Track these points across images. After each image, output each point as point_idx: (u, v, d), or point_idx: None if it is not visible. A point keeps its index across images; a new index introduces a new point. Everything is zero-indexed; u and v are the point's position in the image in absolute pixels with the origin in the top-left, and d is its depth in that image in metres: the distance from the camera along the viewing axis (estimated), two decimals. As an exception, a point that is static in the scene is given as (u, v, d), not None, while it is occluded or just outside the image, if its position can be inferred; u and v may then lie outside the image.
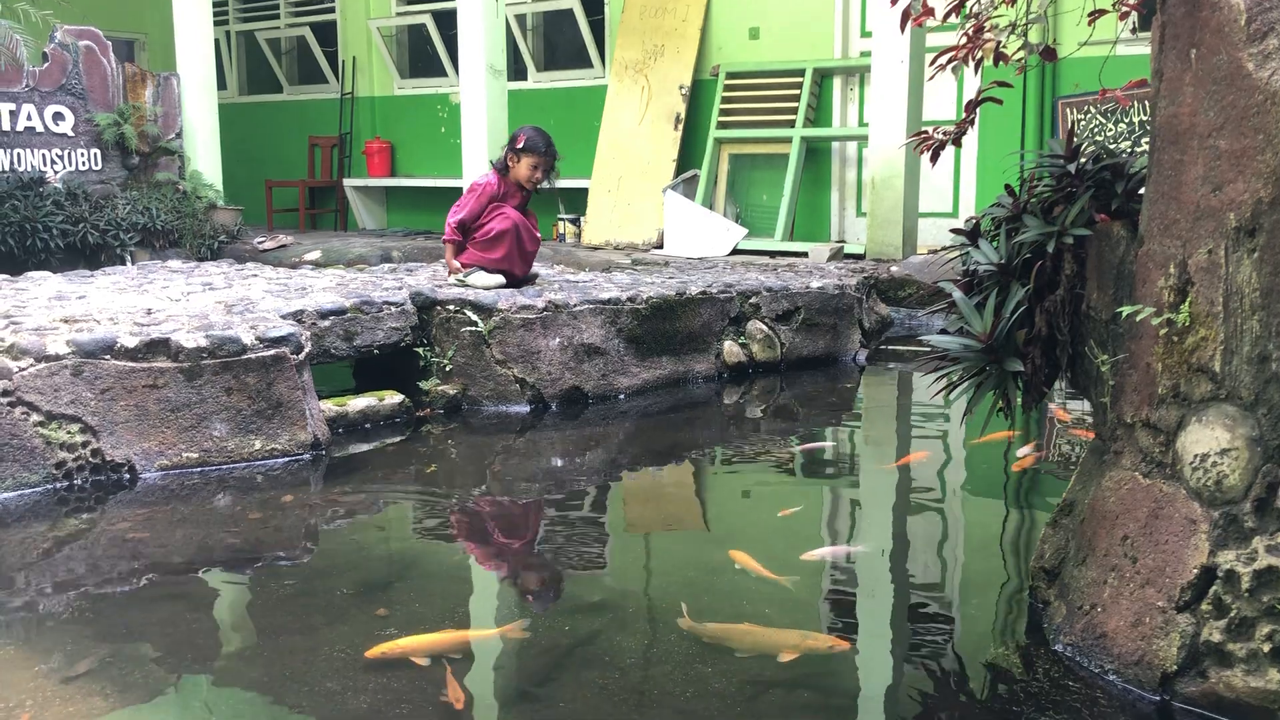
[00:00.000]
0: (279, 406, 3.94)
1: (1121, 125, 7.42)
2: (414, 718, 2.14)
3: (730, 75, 8.89)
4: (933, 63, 2.76)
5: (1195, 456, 2.10)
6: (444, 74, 10.59)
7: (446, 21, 9.86)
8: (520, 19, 9.92)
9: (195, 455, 3.79)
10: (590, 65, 9.81)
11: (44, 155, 8.02)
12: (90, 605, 2.72)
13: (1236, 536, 2.03)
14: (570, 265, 7.34)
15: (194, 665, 2.41)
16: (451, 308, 4.81)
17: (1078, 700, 2.16)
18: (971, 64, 2.67)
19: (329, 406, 4.30)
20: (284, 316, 4.28)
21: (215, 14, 9.59)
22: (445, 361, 4.77)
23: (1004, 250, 2.56)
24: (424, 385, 4.71)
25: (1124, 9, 2.71)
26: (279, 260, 8.10)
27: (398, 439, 4.35)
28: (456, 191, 8.40)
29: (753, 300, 5.55)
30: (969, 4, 2.67)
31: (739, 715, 2.13)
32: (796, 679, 2.29)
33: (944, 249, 2.88)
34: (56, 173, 8.07)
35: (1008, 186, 2.70)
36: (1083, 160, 2.57)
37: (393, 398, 4.55)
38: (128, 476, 3.68)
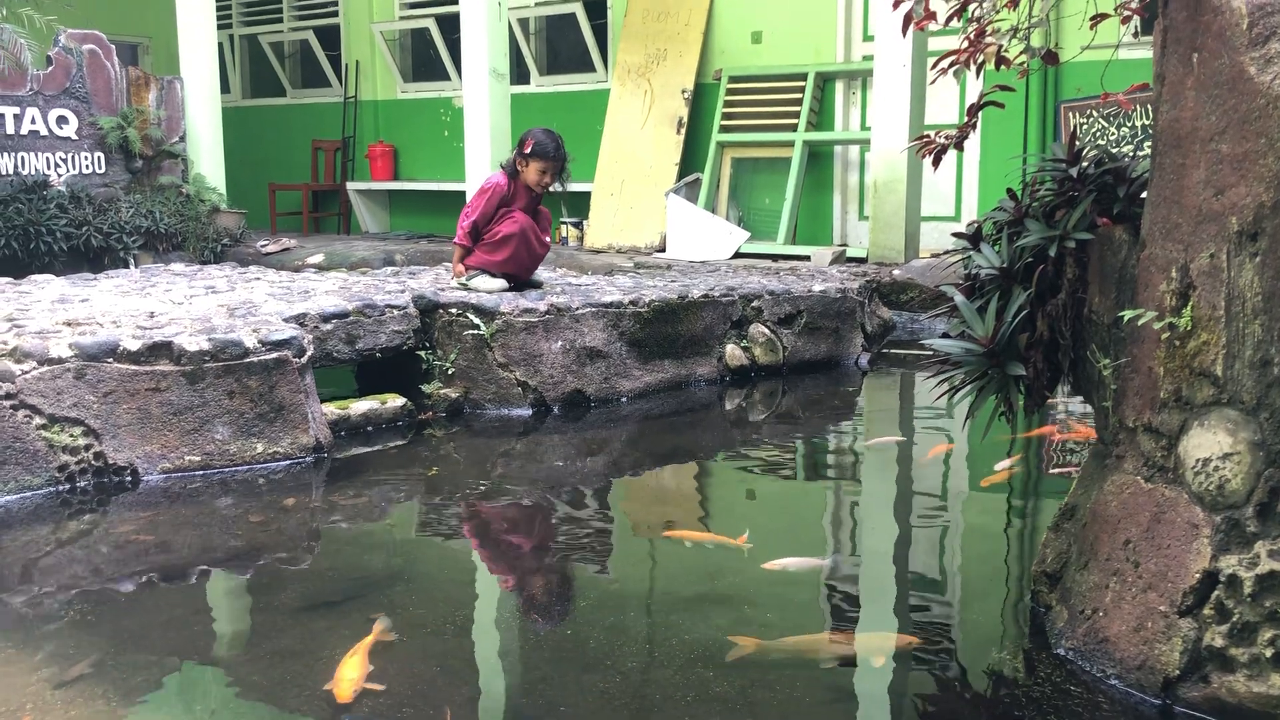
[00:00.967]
0: (281, 410, 3.94)
1: (1124, 129, 7.42)
2: (415, 721, 2.14)
3: (732, 79, 8.90)
4: (934, 66, 2.76)
5: (1197, 461, 2.09)
6: (447, 78, 10.60)
7: (449, 25, 9.88)
8: (523, 23, 9.94)
9: (197, 458, 3.80)
10: (593, 69, 9.82)
11: (48, 159, 8.03)
12: (92, 608, 2.72)
13: (1239, 541, 2.03)
14: (572, 268, 7.34)
15: (196, 668, 2.41)
16: (454, 311, 4.81)
17: (1080, 705, 2.16)
18: (973, 68, 2.67)
19: (331, 410, 4.30)
20: (286, 320, 4.29)
21: (219, 18, 9.61)
22: (447, 365, 4.78)
23: (1006, 254, 2.56)
24: (426, 388, 4.71)
25: (1126, 13, 2.71)
26: (282, 263, 8.11)
27: (400, 442, 4.35)
28: (459, 195, 8.43)
29: (755, 304, 5.55)
30: (971, 7, 2.68)
31: (740, 719, 2.13)
32: (798, 683, 2.29)
33: (946, 253, 2.88)
34: (60, 176, 8.09)
35: (1009, 190, 2.70)
36: (1085, 164, 2.57)
37: (395, 401, 4.55)
38: (130, 479, 3.69)
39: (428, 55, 10.83)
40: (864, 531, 3.45)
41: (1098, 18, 2.73)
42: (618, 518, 3.65)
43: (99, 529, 3.36)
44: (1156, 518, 2.19)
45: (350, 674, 2.26)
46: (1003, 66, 2.68)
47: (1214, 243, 2.05)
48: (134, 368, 3.73)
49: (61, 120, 8.10)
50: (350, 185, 11.02)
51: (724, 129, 8.83)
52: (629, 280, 6.04)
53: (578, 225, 9.23)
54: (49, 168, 8.03)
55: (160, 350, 3.78)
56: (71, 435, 3.61)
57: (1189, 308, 2.10)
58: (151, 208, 8.28)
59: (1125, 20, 2.75)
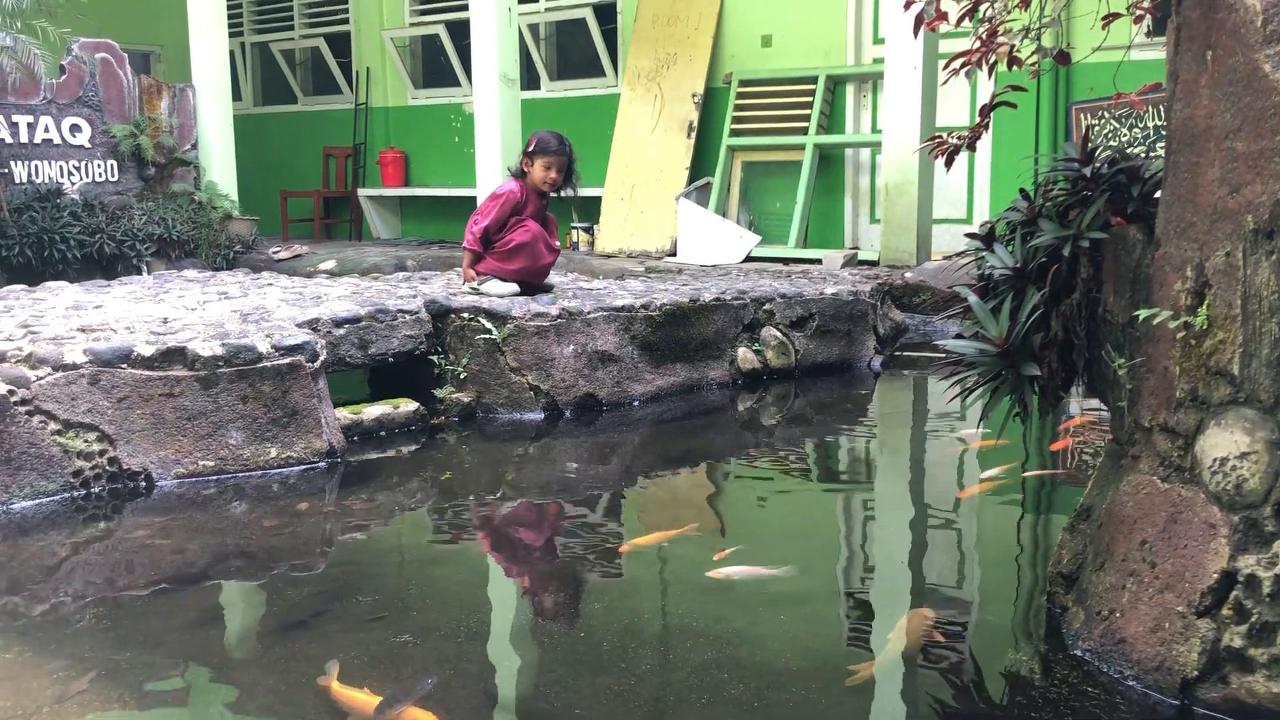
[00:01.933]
0: (294, 414, 3.95)
1: (1136, 130, 7.40)
2: (430, 724, 2.13)
3: (743, 83, 8.90)
4: (946, 66, 2.76)
5: (1214, 460, 2.08)
6: (457, 84, 10.63)
7: (460, 31, 9.90)
8: (533, 28, 9.96)
9: (211, 463, 3.81)
10: (603, 74, 9.83)
11: (61, 167, 8.08)
12: (107, 612, 2.72)
13: (1257, 541, 2.01)
14: (584, 273, 7.34)
15: (209, 672, 2.42)
16: (466, 316, 4.82)
17: (1097, 706, 2.15)
18: (985, 68, 2.66)
19: (344, 414, 4.31)
20: (299, 325, 4.30)
21: (230, 26, 9.65)
22: (460, 369, 4.78)
23: (1019, 254, 2.55)
24: (439, 393, 4.72)
25: (1138, 12, 2.70)
26: (294, 270, 8.13)
27: (413, 447, 4.36)
28: (470, 200, 8.45)
29: (767, 307, 5.54)
30: (982, 8, 2.67)
31: (755, 722, 2.13)
32: (811, 685, 2.28)
33: (959, 254, 2.87)
34: (73, 184, 8.13)
35: (1023, 191, 2.69)
36: (1098, 164, 2.56)
37: (407, 405, 4.56)
38: (144, 485, 3.70)
39: (438, 61, 10.86)
40: (876, 531, 3.44)
41: (1110, 17, 2.73)
42: (630, 521, 3.65)
43: (113, 534, 3.36)
44: (1173, 518, 2.18)
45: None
46: (1014, 67, 2.67)
47: (1230, 241, 2.04)
48: (148, 373, 3.74)
49: (75, 129, 8.15)
50: (361, 191, 11.06)
51: (734, 132, 8.83)
52: (640, 284, 6.04)
53: (588, 230, 9.24)
54: (62, 176, 8.08)
55: (174, 356, 3.80)
56: (86, 441, 3.62)
57: (1205, 306, 2.09)
58: (164, 215, 8.32)
59: (1137, 20, 2.74)
